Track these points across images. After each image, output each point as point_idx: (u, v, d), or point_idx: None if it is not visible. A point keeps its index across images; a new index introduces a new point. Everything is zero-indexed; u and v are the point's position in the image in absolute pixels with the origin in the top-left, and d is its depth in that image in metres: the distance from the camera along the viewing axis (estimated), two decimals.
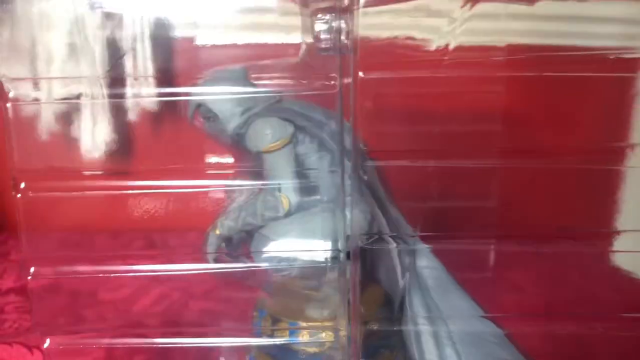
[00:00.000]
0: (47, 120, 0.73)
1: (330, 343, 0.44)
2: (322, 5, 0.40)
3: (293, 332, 0.45)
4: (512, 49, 0.49)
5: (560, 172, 0.55)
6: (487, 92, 0.50)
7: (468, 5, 0.47)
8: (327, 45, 0.40)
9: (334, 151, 0.43)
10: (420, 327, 0.42)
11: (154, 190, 0.46)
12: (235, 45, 0.47)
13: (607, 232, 0.64)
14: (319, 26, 0.39)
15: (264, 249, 0.42)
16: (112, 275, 0.49)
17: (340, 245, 0.42)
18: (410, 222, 0.46)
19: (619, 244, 0.68)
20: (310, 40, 0.43)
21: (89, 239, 0.69)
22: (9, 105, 0.44)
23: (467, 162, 0.46)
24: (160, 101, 0.76)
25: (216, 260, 0.45)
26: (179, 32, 0.53)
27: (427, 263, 0.44)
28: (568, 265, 0.62)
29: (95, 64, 0.78)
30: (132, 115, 0.78)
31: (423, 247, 0.45)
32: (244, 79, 0.43)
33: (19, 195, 0.44)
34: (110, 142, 0.82)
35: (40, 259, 0.47)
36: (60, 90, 0.82)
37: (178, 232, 0.61)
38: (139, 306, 0.64)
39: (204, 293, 0.64)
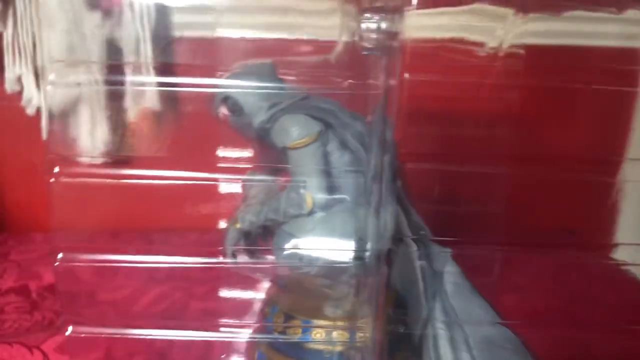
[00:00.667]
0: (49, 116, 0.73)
1: (343, 343, 0.44)
2: (373, 4, 0.39)
3: (306, 330, 0.44)
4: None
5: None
6: (533, 99, 0.49)
7: (521, 14, 0.47)
8: (372, 46, 0.39)
9: (356, 151, 0.42)
10: (437, 331, 0.42)
11: (174, 181, 0.46)
12: (265, 40, 0.46)
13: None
14: (366, 25, 0.39)
15: (286, 246, 0.42)
16: (135, 264, 0.48)
17: (365, 246, 0.42)
18: (431, 226, 0.45)
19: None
20: (349, 39, 0.43)
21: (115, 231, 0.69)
22: (49, 88, 0.44)
23: (497, 169, 0.45)
24: (165, 96, 0.76)
25: (234, 255, 0.45)
26: (208, 27, 0.53)
27: (446, 267, 0.44)
28: (569, 269, 0.62)
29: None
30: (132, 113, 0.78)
31: (443, 251, 0.44)
32: (272, 74, 0.43)
33: (52, 180, 0.43)
34: (111, 140, 0.82)
35: (69, 247, 0.46)
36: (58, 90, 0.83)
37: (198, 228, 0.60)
38: (139, 306, 0.64)
39: (204, 293, 0.64)
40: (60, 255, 0.44)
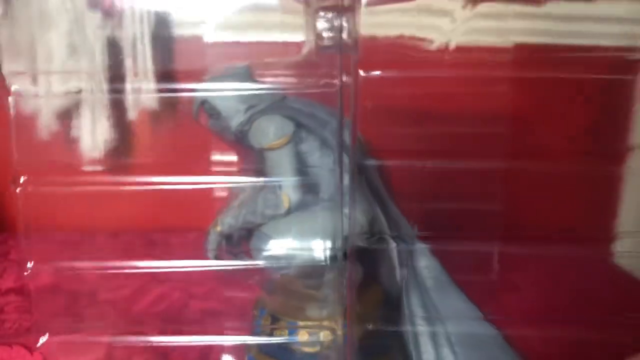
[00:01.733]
0: (47, 118, 0.73)
1: (329, 343, 0.44)
2: (324, 3, 0.40)
3: (292, 332, 0.44)
4: (514, 49, 0.49)
5: (561, 174, 0.55)
6: (486, 93, 0.50)
7: (469, 6, 0.47)
8: (329, 44, 0.40)
9: (335, 150, 0.43)
10: (418, 328, 0.42)
11: (154, 187, 0.46)
12: (239, 43, 0.47)
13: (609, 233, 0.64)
14: (321, 24, 0.39)
15: (264, 247, 0.42)
16: (110, 272, 0.49)
17: (338, 245, 0.42)
18: (410, 222, 0.45)
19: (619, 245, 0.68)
20: (312, 38, 0.43)
21: (89, 237, 0.69)
22: (10, 99, 0.44)
23: (466, 163, 0.46)
24: (163, 98, 0.76)
25: (217, 258, 0.45)
26: (183, 30, 0.53)
27: (426, 263, 0.44)
28: (568, 267, 0.62)
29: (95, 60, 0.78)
30: (132, 113, 0.78)
31: (422, 247, 0.44)
32: (248, 77, 0.43)
33: (18, 190, 0.44)
34: (111, 139, 0.82)
35: (39, 256, 0.47)
36: (60, 87, 0.83)
37: (179, 231, 0.60)
38: (139, 306, 0.64)
39: (203, 293, 0.64)
40: (29, 265, 0.45)
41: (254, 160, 0.44)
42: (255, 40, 0.47)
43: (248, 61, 0.44)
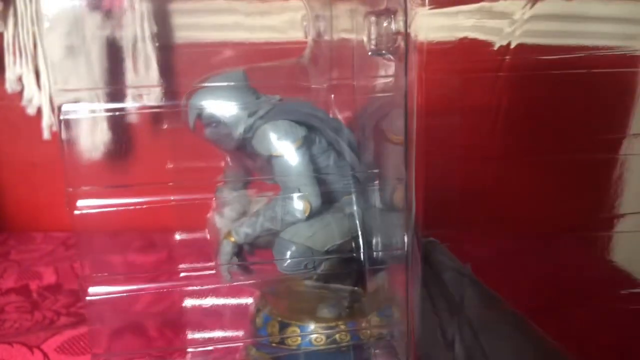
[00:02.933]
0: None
1: (347, 342, 0.43)
2: (378, 7, 0.39)
3: (305, 337, 0.43)
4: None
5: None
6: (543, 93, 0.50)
7: (528, 6, 0.47)
8: (379, 47, 0.38)
9: (342, 151, 0.42)
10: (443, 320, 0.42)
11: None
12: (233, 46, 0.46)
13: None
14: (374, 27, 0.38)
15: (289, 255, 0.40)
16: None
17: (374, 245, 0.42)
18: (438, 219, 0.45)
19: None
20: (317, 38, 0.43)
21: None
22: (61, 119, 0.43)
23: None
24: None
25: (230, 271, 0.43)
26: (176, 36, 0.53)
27: (441, 257, 0.44)
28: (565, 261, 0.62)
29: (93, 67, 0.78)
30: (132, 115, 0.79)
31: (433, 242, 0.44)
32: (244, 83, 0.42)
33: (76, 213, 0.42)
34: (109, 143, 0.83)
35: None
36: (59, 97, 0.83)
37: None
38: (139, 306, 0.64)
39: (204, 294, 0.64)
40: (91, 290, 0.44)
41: (254, 168, 0.43)
42: (249, 42, 0.47)
43: (243, 66, 0.43)
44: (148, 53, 0.78)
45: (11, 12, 0.81)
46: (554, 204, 0.75)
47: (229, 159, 0.46)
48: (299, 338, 0.43)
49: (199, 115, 0.41)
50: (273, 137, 0.40)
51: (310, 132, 0.41)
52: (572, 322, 0.49)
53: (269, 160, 0.41)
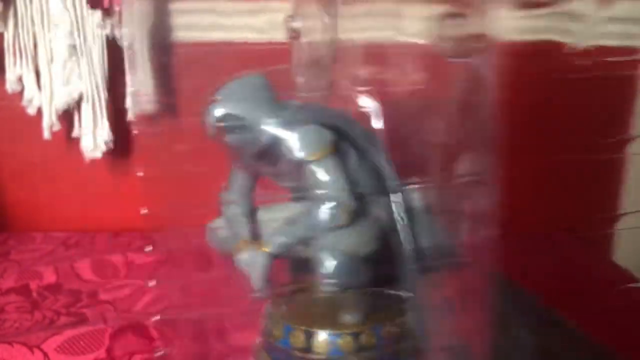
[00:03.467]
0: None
1: (371, 345, 0.42)
2: (451, 9, 0.38)
3: (334, 342, 0.41)
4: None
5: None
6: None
7: (603, 8, 0.48)
8: (454, 50, 0.38)
9: (365, 151, 0.41)
10: None
11: None
12: (254, 47, 0.46)
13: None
14: (444, 30, 0.37)
15: (336, 265, 0.39)
16: None
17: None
18: None
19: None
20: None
21: None
22: None
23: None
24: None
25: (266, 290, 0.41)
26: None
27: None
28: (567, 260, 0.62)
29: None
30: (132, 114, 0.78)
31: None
32: (267, 87, 0.40)
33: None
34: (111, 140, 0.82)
35: None
36: (60, 90, 0.83)
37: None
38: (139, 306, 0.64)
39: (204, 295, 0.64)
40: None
41: (278, 173, 0.41)
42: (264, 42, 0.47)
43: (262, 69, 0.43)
44: (145, 52, 0.78)
45: (11, 12, 0.81)
46: (553, 203, 0.75)
47: (238, 165, 0.44)
48: (328, 345, 0.41)
49: (221, 121, 0.39)
50: (305, 141, 0.39)
51: (338, 136, 0.40)
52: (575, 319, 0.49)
53: (300, 166, 0.39)
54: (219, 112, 0.39)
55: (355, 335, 0.41)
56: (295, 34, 0.46)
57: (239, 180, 0.44)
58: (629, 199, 0.80)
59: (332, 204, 0.38)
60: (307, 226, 0.39)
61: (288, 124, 0.39)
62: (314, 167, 0.38)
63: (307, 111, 0.40)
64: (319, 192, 0.38)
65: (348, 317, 0.42)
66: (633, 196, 0.80)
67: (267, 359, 0.44)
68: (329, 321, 0.42)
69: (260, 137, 0.39)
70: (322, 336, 0.41)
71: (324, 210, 0.38)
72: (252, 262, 0.39)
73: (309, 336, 0.41)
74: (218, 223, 0.44)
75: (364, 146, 0.41)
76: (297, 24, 0.46)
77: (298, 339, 0.42)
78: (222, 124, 0.39)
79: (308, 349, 0.41)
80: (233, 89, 0.40)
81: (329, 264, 0.38)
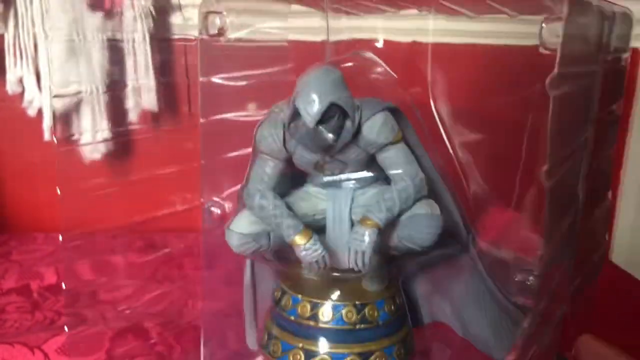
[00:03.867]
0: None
1: (376, 319, 0.45)
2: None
3: (337, 314, 0.44)
4: None
5: None
6: None
7: None
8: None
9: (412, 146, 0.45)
10: None
11: None
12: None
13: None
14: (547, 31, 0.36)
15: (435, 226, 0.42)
16: None
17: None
18: None
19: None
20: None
21: None
22: None
23: None
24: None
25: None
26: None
27: None
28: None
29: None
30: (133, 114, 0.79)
31: None
32: (342, 77, 0.41)
33: None
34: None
35: None
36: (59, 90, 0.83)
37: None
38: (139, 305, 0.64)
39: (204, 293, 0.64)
40: None
41: (346, 159, 0.43)
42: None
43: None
44: (146, 52, 0.78)
45: (12, 13, 0.81)
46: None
47: (296, 157, 0.44)
48: (332, 314, 0.44)
49: (325, 112, 0.39)
50: (387, 126, 0.42)
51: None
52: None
53: (383, 149, 0.42)
54: (323, 102, 0.38)
55: (361, 307, 0.44)
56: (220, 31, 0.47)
57: (268, 171, 0.44)
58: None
59: (418, 177, 0.42)
60: (402, 199, 0.42)
61: (366, 112, 0.41)
62: (391, 149, 0.42)
63: (370, 101, 0.42)
64: (398, 170, 0.43)
65: (369, 285, 0.45)
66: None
67: (271, 325, 0.47)
68: (359, 292, 0.45)
69: (351, 124, 0.40)
70: (325, 307, 0.44)
71: (411, 184, 0.42)
72: (361, 240, 0.41)
73: (314, 307, 0.44)
74: (239, 224, 0.44)
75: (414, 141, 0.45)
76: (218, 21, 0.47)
77: (304, 309, 0.45)
78: (324, 115, 0.39)
79: (311, 316, 0.44)
80: (322, 80, 0.40)
81: (419, 223, 0.42)
